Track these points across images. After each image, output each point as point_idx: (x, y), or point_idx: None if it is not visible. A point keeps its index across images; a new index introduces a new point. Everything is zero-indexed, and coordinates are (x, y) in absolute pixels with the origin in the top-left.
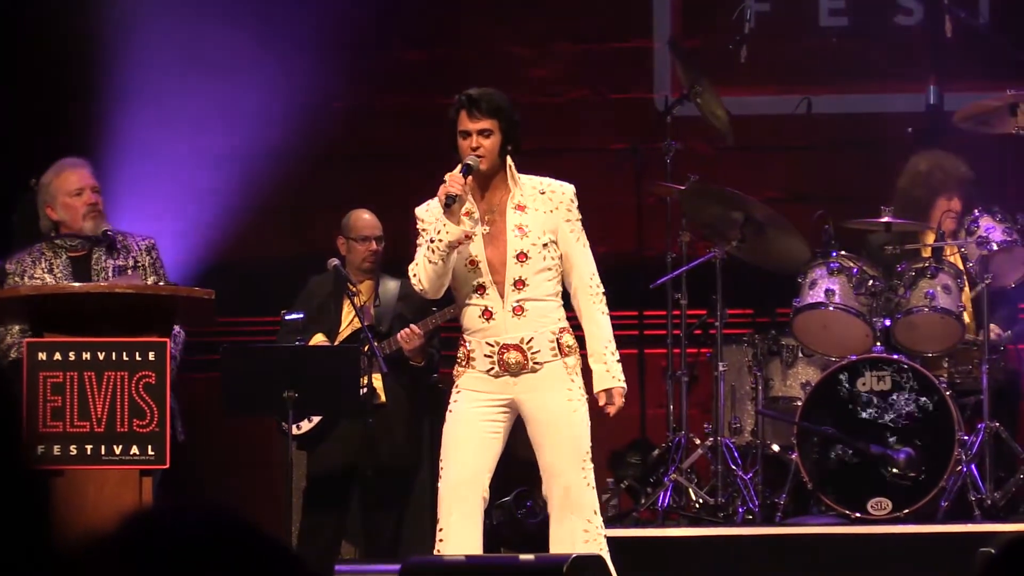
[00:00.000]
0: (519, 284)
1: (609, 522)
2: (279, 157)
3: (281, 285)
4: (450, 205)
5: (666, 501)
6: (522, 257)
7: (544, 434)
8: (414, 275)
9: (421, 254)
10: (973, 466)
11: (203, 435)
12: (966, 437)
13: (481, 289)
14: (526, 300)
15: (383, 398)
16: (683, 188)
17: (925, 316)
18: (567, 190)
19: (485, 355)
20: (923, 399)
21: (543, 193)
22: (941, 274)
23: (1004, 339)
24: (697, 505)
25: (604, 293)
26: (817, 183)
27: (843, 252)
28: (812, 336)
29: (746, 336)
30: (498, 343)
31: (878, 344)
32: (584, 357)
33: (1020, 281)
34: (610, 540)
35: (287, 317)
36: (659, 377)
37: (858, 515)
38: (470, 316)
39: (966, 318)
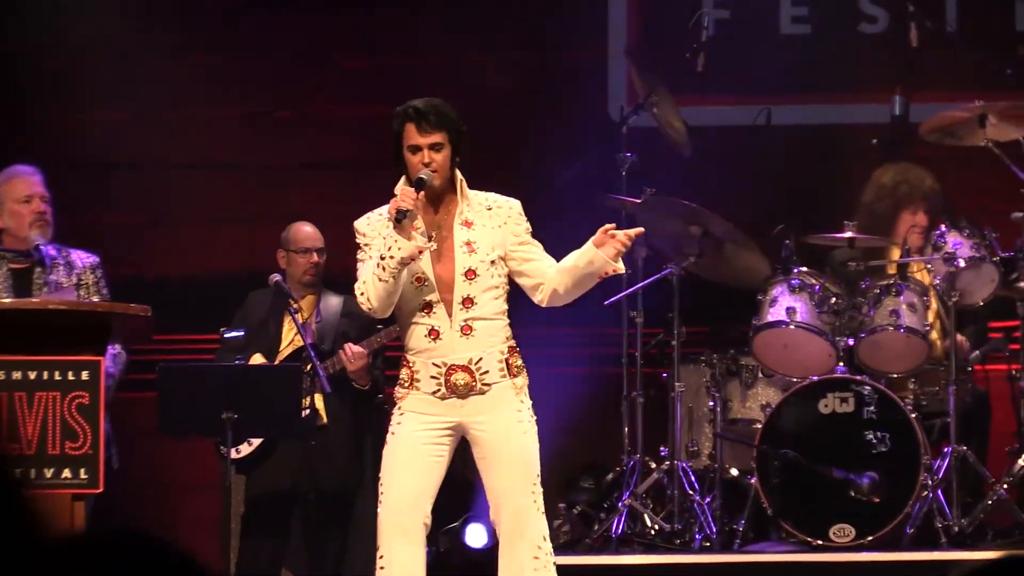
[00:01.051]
0: (467, 302)
1: (561, 549)
2: (220, 168)
3: (222, 301)
4: (400, 220)
5: (620, 527)
6: (471, 274)
7: (493, 457)
8: (362, 293)
9: (368, 271)
10: (939, 491)
11: (139, 458)
12: (932, 461)
13: (427, 308)
14: (474, 319)
15: (325, 419)
16: (639, 201)
17: (890, 335)
18: (513, 204)
19: (431, 376)
20: (888, 421)
21: (490, 209)
22: (907, 291)
23: (972, 359)
24: (653, 532)
25: None
26: (778, 196)
27: (804, 268)
28: (772, 356)
29: (704, 355)
30: (445, 364)
31: (841, 364)
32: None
33: (989, 299)
34: (561, 568)
35: (226, 335)
36: (614, 398)
37: (820, 542)
38: (415, 336)
39: (933, 336)
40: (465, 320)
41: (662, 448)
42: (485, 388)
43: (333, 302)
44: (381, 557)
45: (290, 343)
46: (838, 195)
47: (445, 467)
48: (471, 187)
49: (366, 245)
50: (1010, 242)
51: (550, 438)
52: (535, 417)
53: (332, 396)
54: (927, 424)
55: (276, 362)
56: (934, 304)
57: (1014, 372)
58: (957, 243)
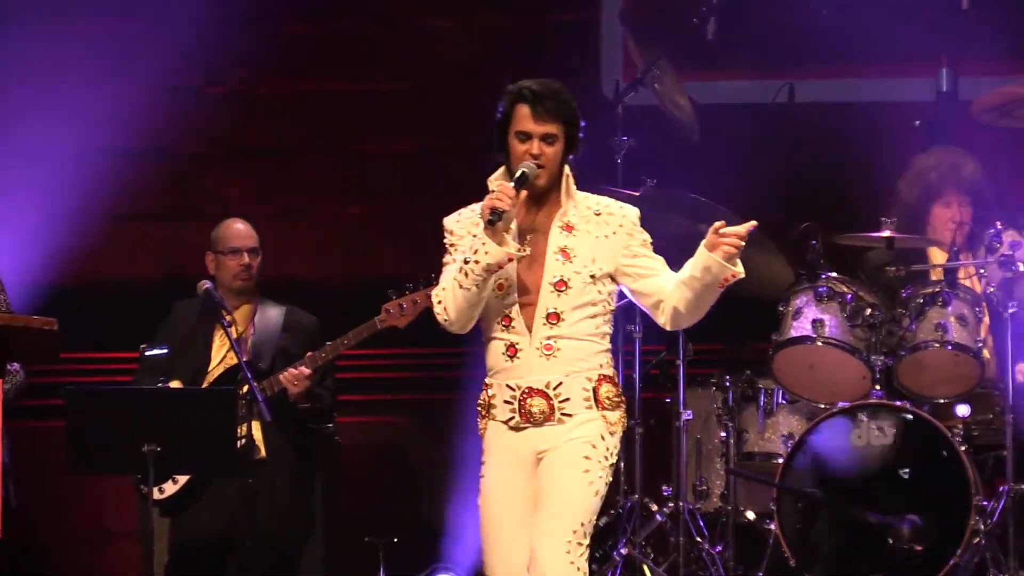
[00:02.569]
0: (552, 318)
1: None
2: (141, 157)
3: (141, 313)
4: (494, 222)
5: None
6: (561, 285)
7: (540, 494)
8: (439, 302)
9: (449, 277)
10: (994, 538)
11: (43, 498)
12: (985, 502)
13: (507, 320)
14: (559, 338)
15: (264, 452)
16: (637, 193)
17: (936, 353)
18: (628, 212)
19: (505, 401)
20: (932, 455)
21: (598, 215)
22: (956, 301)
23: None
24: None
25: None
26: (802, 188)
27: (834, 275)
28: (796, 378)
29: (715, 377)
30: (519, 387)
31: (877, 388)
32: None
33: None
34: None
35: (147, 353)
36: None
37: None
38: (493, 353)
39: (986, 355)
40: (548, 338)
41: (665, 487)
42: (564, 418)
43: (272, 313)
44: None
45: (221, 361)
46: (873, 187)
47: None
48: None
49: (452, 246)
50: None
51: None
52: (612, 463)
53: (272, 424)
54: (979, 458)
55: (205, 384)
56: (987, 317)
57: None
58: (1015, 244)
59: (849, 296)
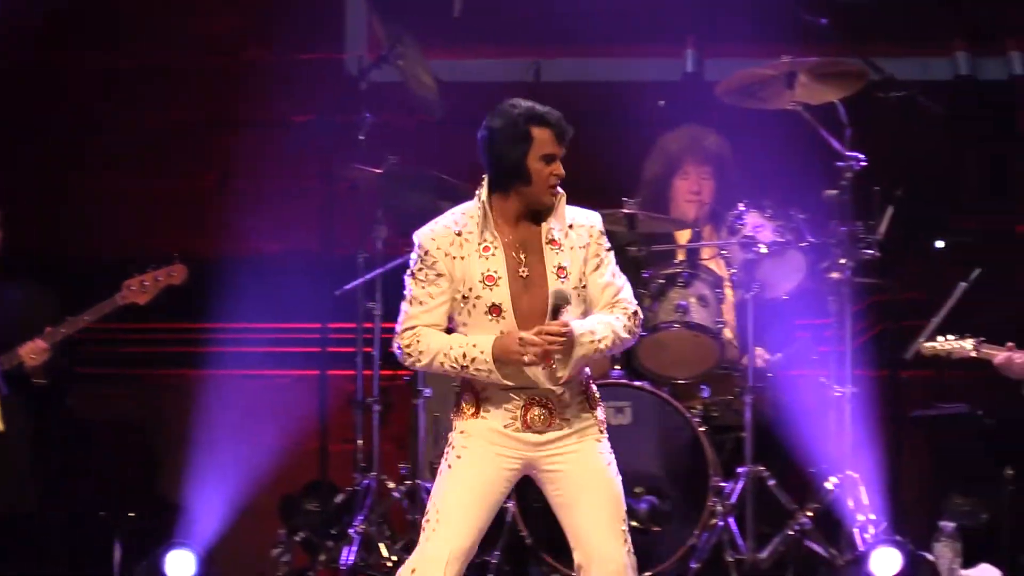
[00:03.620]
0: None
1: None
2: None
3: None
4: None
5: (351, 558)
6: None
7: (578, 497)
8: (408, 346)
9: (435, 341)
10: (732, 519)
11: None
12: (724, 484)
13: None
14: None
15: (2, 426)
16: (379, 171)
17: (675, 334)
18: (595, 221)
19: (505, 408)
20: (671, 436)
21: (572, 227)
22: (696, 282)
23: (773, 364)
24: (389, 563)
25: (637, 314)
26: None
27: None
28: None
29: None
30: (524, 396)
31: (617, 368)
32: None
33: (794, 291)
34: None
35: None
36: (345, 405)
37: None
38: None
39: (727, 335)
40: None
41: (402, 465)
42: (564, 423)
43: (10, 288)
44: None
45: None
46: (619, 167)
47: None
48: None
49: (422, 264)
50: (822, 226)
51: (269, 452)
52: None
53: (9, 398)
54: (718, 440)
55: None
56: (729, 297)
57: (822, 379)
58: (758, 226)
59: None
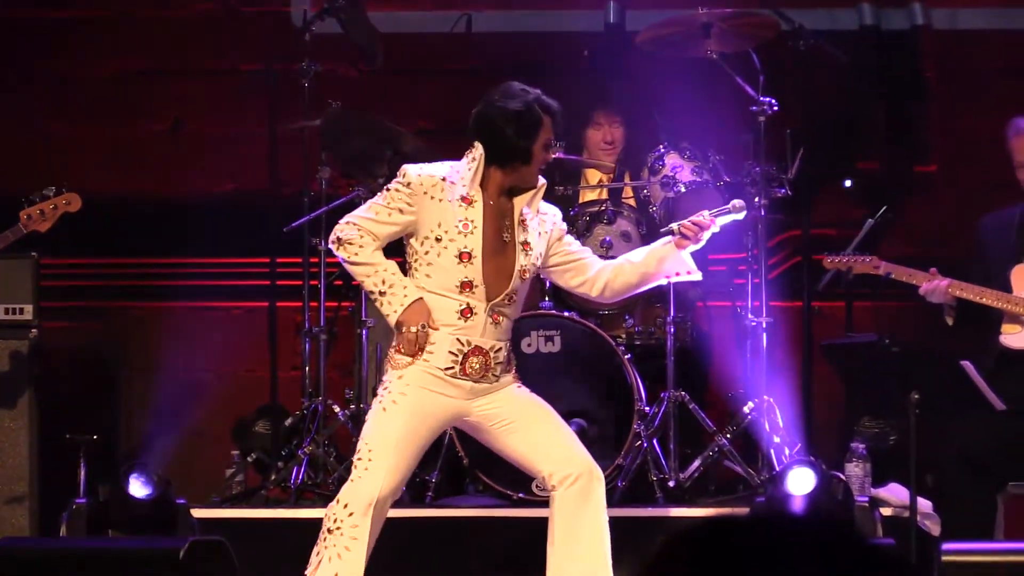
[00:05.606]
0: (511, 297)
1: (234, 501)
2: None
3: None
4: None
5: (300, 477)
6: (524, 273)
7: (523, 419)
8: (348, 237)
9: (370, 214)
10: (655, 441)
11: None
12: (647, 408)
13: (468, 286)
14: (503, 314)
15: None
16: (322, 117)
17: None
18: (558, 213)
19: (450, 352)
20: (597, 364)
21: (539, 213)
22: (619, 219)
23: (692, 295)
24: (336, 482)
25: None
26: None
27: None
28: None
29: None
30: (470, 343)
31: (547, 299)
32: None
33: None
34: (231, 522)
35: None
36: (293, 335)
37: (521, 495)
38: (444, 309)
39: None
40: (499, 310)
41: (348, 390)
42: (494, 378)
43: None
44: (355, 527)
45: None
46: None
47: None
48: None
49: (397, 192)
50: (737, 166)
51: (223, 378)
52: None
53: None
54: (642, 367)
55: None
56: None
57: (739, 309)
58: (677, 166)
59: None
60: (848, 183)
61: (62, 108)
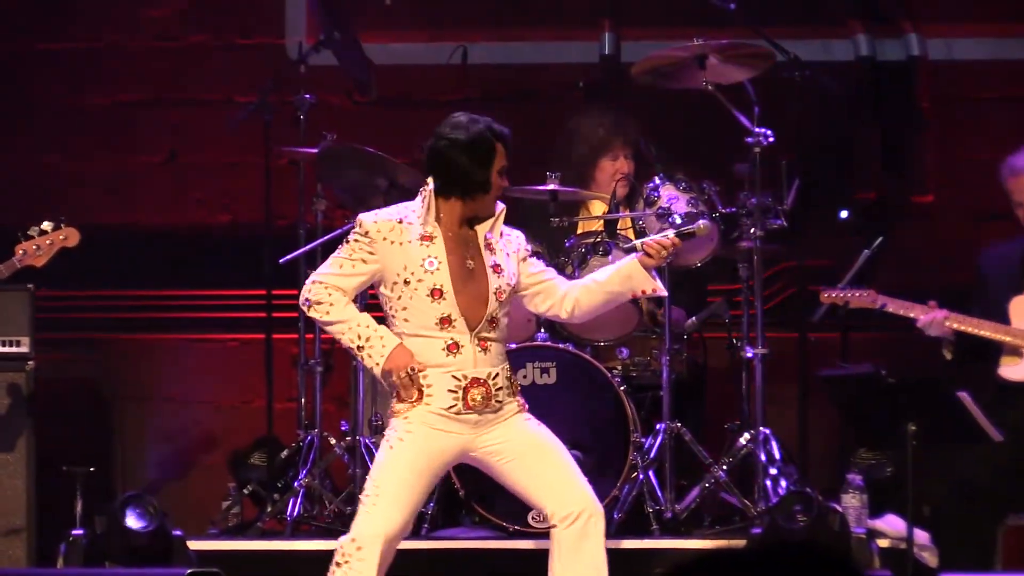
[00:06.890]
0: (493, 322)
1: (230, 534)
2: None
3: None
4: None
5: (296, 510)
6: (500, 294)
7: (528, 454)
8: (317, 295)
9: (334, 269)
10: (651, 473)
11: None
12: (643, 439)
13: (446, 322)
14: (491, 339)
15: None
16: (317, 149)
17: None
18: (521, 236)
19: (449, 390)
20: (594, 395)
21: (503, 235)
22: (616, 250)
23: (688, 327)
24: (332, 515)
25: None
26: None
27: None
28: None
29: None
30: (466, 377)
31: (542, 331)
32: None
33: (707, 259)
34: (228, 554)
35: None
36: (289, 366)
37: (516, 528)
38: (430, 349)
39: (643, 303)
40: (484, 337)
41: (343, 422)
42: (498, 404)
43: None
44: (362, 562)
45: None
46: (540, 143)
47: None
48: None
49: (357, 243)
50: (732, 197)
51: (216, 411)
52: None
53: None
54: (637, 398)
55: None
56: None
57: (735, 341)
58: (672, 197)
59: None
60: (845, 214)
61: (57, 140)
